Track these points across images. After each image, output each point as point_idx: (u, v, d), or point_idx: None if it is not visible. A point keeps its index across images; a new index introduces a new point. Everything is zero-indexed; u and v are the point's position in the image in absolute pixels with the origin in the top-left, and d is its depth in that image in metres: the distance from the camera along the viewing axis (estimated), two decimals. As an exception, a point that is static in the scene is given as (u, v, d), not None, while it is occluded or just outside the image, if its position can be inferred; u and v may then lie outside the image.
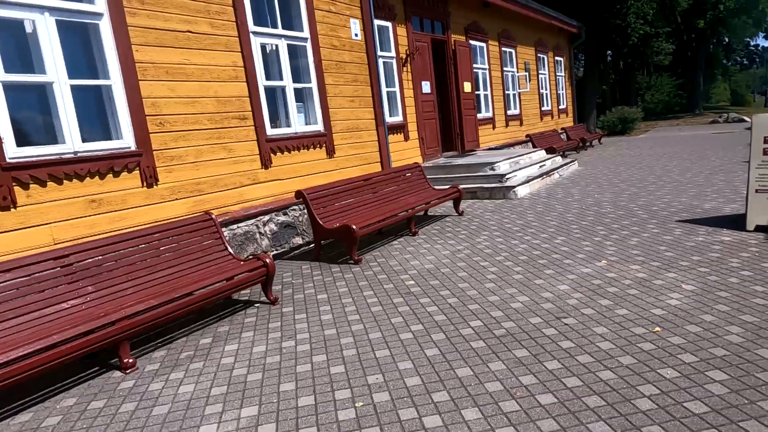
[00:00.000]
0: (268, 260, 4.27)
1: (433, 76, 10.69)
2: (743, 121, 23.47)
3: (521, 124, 14.99)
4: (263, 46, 6.24)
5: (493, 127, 13.34)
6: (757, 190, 5.17)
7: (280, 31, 6.37)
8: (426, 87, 10.44)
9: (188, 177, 5.21)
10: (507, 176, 8.68)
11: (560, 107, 18.71)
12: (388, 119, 9.16)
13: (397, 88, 9.48)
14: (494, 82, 13.37)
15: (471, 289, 4.23)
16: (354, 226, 5.30)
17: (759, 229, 5.11)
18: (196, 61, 5.34)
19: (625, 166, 11.12)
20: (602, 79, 28.68)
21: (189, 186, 5.21)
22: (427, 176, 9.45)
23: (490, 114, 13.16)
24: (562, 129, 17.07)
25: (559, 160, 11.29)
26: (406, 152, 9.64)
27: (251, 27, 5.94)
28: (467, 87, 11.70)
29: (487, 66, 13.01)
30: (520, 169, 9.31)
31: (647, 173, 9.72)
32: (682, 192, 7.51)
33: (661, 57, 27.55)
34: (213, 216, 4.59)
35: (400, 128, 9.48)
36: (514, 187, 8.39)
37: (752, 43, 52.06)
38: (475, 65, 12.33)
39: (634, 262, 4.49)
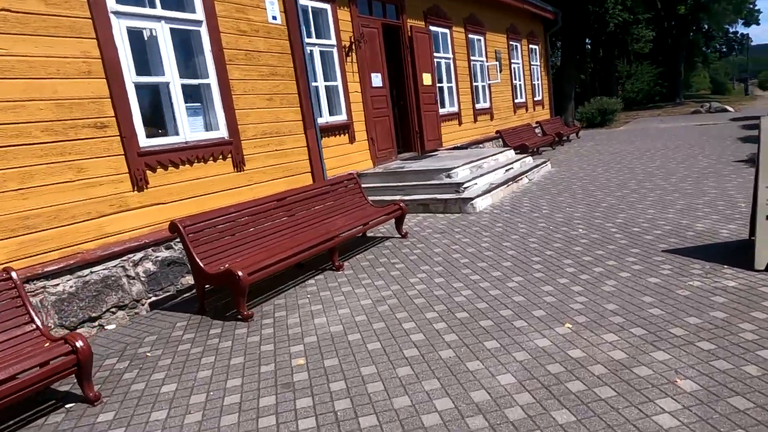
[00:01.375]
0: (79, 343, 2.91)
1: (385, 67, 9.33)
2: (726, 111, 22.54)
3: (492, 119, 13.71)
4: (134, 31, 4.83)
5: (459, 123, 12.04)
6: (766, 219, 3.96)
7: (158, 11, 4.94)
8: (377, 80, 9.08)
9: (8, 209, 3.81)
10: (465, 185, 7.39)
11: (536, 99, 17.48)
12: (328, 119, 7.81)
13: (339, 82, 8.11)
14: (460, 72, 12.05)
15: (375, 381, 2.93)
16: (240, 272, 3.96)
17: (771, 267, 3.92)
18: (20, 50, 3.92)
19: (603, 166, 9.92)
20: (580, 68, 27.56)
21: (9, 222, 3.81)
22: (376, 185, 8.15)
23: (455, 108, 11.85)
24: (537, 123, 15.86)
25: (529, 161, 10.04)
26: (351, 156, 8.29)
27: (111, 5, 4.51)
28: (427, 79, 10.36)
29: (451, 55, 11.67)
30: (482, 175, 8.03)
31: (628, 177, 8.52)
32: (668, 204, 6.30)
33: (641, 44, 26.50)
34: (12, 274, 3.21)
35: (344, 129, 8.12)
36: (473, 199, 7.10)
37: (731, 30, 51.48)
38: (436, 54, 10.99)
39: (609, 328, 3.23)
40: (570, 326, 3.32)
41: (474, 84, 12.85)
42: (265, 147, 6.04)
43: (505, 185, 8.15)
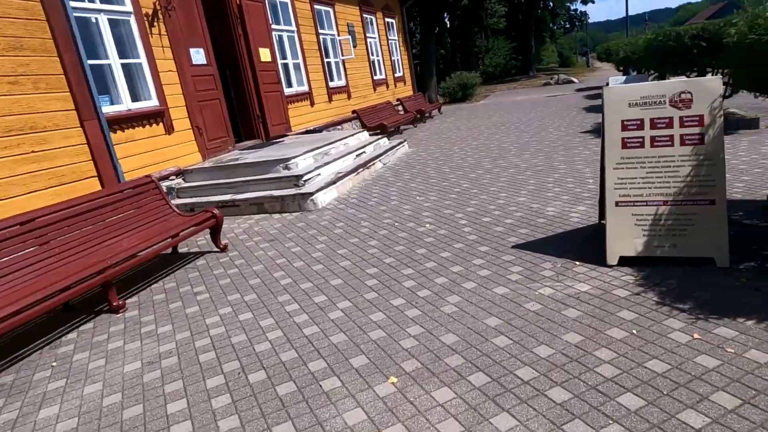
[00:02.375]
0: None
1: (209, 41, 7.86)
2: (572, 82, 24.08)
3: (349, 98, 12.80)
4: None
5: (312, 104, 10.94)
6: (617, 203, 3.45)
7: None
8: (198, 56, 7.60)
9: None
10: (306, 177, 6.36)
11: (396, 75, 16.91)
12: (131, 105, 6.25)
13: (143, 59, 6.53)
14: (308, 48, 10.89)
15: None
16: None
17: (624, 262, 3.42)
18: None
19: (461, 144, 9.49)
20: (440, 43, 27.77)
21: None
22: (204, 182, 6.80)
23: (305, 88, 10.70)
24: (399, 100, 15.30)
25: (384, 143, 9.29)
26: (171, 150, 6.82)
27: None
28: (265, 55, 9.07)
29: (294, 27, 10.44)
30: (327, 163, 7.05)
31: (483, 155, 8.10)
32: (520, 185, 5.84)
33: (496, 20, 27.31)
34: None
35: (156, 117, 6.60)
36: (314, 193, 6.09)
37: (572, 8, 56.08)
38: (275, 26, 9.70)
39: (444, 378, 2.42)
40: (395, 380, 2.46)
41: (326, 60, 11.78)
42: (13, 150, 4.44)
43: (355, 173, 7.27)
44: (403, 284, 3.57)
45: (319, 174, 6.68)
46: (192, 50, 7.48)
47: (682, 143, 3.32)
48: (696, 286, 2.99)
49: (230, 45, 8.60)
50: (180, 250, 5.13)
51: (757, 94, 3.58)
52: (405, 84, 17.69)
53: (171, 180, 6.83)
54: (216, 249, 4.92)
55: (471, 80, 21.08)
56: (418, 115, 14.22)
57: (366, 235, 4.77)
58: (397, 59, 17.19)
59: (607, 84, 4.16)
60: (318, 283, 3.79)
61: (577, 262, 3.52)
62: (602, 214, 4.01)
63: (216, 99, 7.94)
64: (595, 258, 3.52)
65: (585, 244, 3.81)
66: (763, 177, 4.93)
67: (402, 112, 14.44)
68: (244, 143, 8.63)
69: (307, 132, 10.05)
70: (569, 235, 4.07)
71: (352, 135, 8.63)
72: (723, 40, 3.82)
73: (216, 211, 4.77)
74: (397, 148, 9.18)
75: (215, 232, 4.84)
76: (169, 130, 6.85)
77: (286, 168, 6.50)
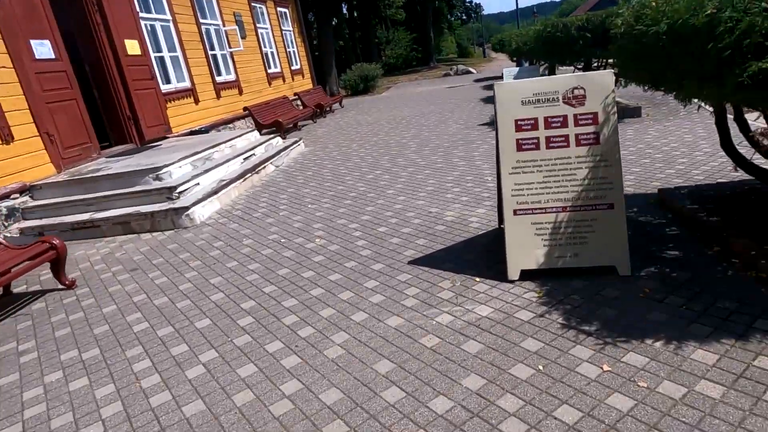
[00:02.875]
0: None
1: (56, 31, 6.68)
2: (470, 72, 24.60)
3: (241, 93, 11.86)
4: None
5: (196, 102, 9.91)
6: (516, 211, 3.14)
7: None
8: (44, 49, 6.42)
9: None
10: (181, 188, 5.55)
11: (293, 68, 16.10)
12: (-52, 111, 5.05)
13: (-38, 54, 5.34)
14: (187, 39, 9.83)
15: None
16: None
17: (526, 275, 3.12)
18: None
19: (360, 141, 9.04)
20: (339, 34, 27.20)
21: None
22: (58, 200, 5.74)
23: (186, 84, 9.65)
24: (296, 95, 14.55)
25: (277, 143, 8.60)
26: (9, 164, 5.67)
27: None
28: (133, 47, 7.97)
29: (169, 16, 9.34)
30: (209, 170, 6.26)
31: (382, 152, 7.70)
32: (419, 186, 5.49)
33: (394, 11, 27.21)
34: None
35: (-14, 124, 5.44)
36: (189, 207, 5.32)
37: (467, 0, 57.88)
38: (144, 15, 8.58)
39: (321, 456, 1.93)
40: (258, 470, 1.92)
41: (211, 53, 10.76)
42: None
43: (242, 179, 6.54)
44: (282, 321, 3.02)
45: (198, 183, 5.89)
46: (34, 43, 6.30)
47: (578, 143, 3.07)
48: (600, 302, 2.74)
49: (88, 36, 7.42)
50: (16, 290, 4.18)
51: (646, 86, 3.45)
52: (303, 77, 16.91)
53: (13, 199, 5.69)
54: (60, 286, 4.05)
55: (372, 72, 20.74)
56: (318, 110, 13.59)
57: (247, 257, 4.14)
58: (294, 51, 16.37)
59: (502, 76, 3.88)
60: (180, 327, 3.13)
61: (477, 279, 3.18)
62: (501, 219, 3.72)
63: (72, 99, 6.79)
64: (496, 271, 3.21)
65: (485, 255, 3.50)
66: (652, 168, 4.96)
67: (300, 107, 13.73)
68: (113, 149, 7.53)
69: (192, 133, 9.08)
70: (469, 244, 3.75)
71: (240, 136, 7.85)
72: (610, 32, 3.64)
73: (56, 241, 3.89)
74: (292, 147, 8.52)
75: (57, 266, 3.96)
76: (7, 138, 5.70)
77: (157, 179, 5.64)
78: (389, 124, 10.61)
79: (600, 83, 3.05)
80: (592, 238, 3.03)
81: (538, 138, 3.10)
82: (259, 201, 5.89)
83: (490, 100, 12.01)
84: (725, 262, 2.97)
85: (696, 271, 2.93)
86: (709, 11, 2.40)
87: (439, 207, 4.71)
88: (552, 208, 3.08)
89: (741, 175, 4.14)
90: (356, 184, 5.97)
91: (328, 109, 14.76)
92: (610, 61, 7.76)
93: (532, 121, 3.11)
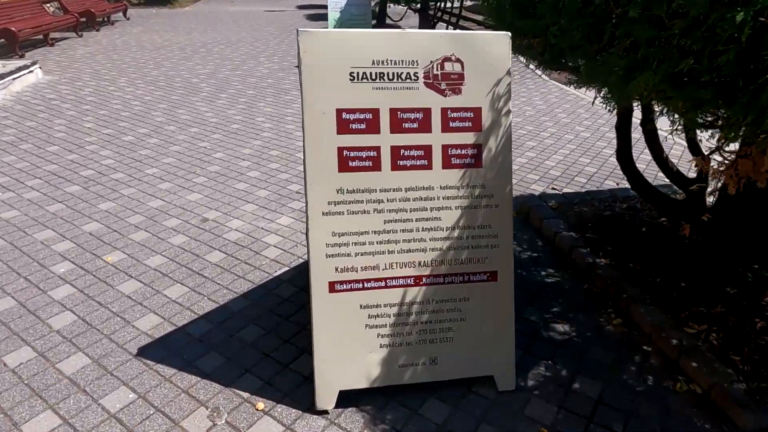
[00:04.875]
0: None
1: None
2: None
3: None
4: None
5: None
6: (334, 286, 1.69)
7: None
8: None
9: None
10: None
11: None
12: None
13: None
14: None
15: None
16: None
17: (348, 400, 1.74)
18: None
19: (133, 74, 6.56)
20: None
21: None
22: None
23: None
24: (55, -6, 10.70)
25: (-9, 66, 5.70)
26: None
27: None
28: None
29: None
30: None
31: (160, 96, 5.51)
32: (199, 163, 3.68)
33: None
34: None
35: None
36: None
37: None
38: None
39: None
40: None
41: None
42: None
43: None
44: None
45: None
46: None
47: (447, 163, 1.69)
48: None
49: None
50: None
51: (540, 63, 2.21)
52: (71, -30, 12.68)
53: None
54: None
55: (174, -22, 16.83)
56: (87, 20, 10.15)
57: None
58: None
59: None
60: None
61: (261, 405, 1.71)
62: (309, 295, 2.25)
63: None
64: (297, 385, 1.77)
65: (283, 332, 2.03)
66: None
67: (60, 13, 10.09)
68: None
69: None
70: (258, 299, 2.23)
71: None
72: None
73: None
74: (17, 76, 5.72)
75: None
76: None
77: None
78: (182, 51, 8.13)
79: (489, 54, 1.69)
80: (461, 332, 1.76)
81: (378, 149, 1.65)
82: None
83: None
84: (637, 354, 1.99)
85: (604, 371, 1.88)
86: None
87: (222, 209, 3.05)
88: (397, 278, 1.70)
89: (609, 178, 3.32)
90: (99, 153, 3.88)
91: (104, 20, 11.25)
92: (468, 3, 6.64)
93: (370, 116, 1.63)
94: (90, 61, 7.23)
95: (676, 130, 2.00)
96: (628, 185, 3.63)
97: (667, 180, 2.71)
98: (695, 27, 1.28)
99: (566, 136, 4.73)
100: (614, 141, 4.84)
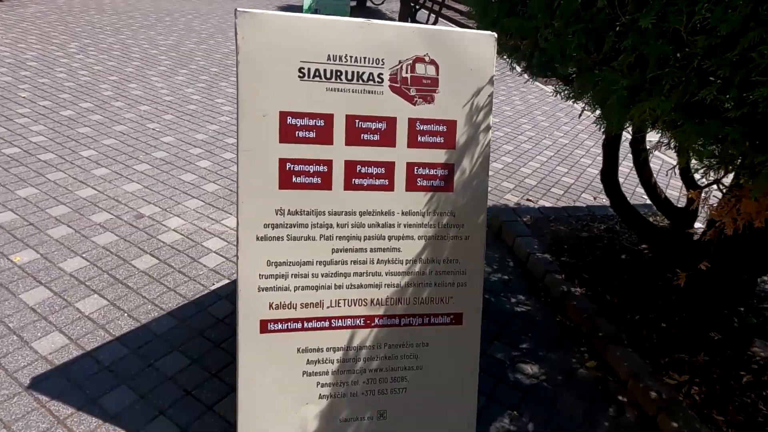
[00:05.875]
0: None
1: None
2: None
3: None
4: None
5: None
6: (266, 325, 1.40)
7: None
8: None
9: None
10: None
11: None
12: None
13: None
14: None
15: None
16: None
17: (277, 458, 1.48)
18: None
19: (84, 41, 5.98)
20: None
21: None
22: None
23: None
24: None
25: None
26: None
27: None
28: None
29: None
30: None
31: (109, 70, 5.00)
32: (144, 149, 3.29)
33: None
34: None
35: None
36: None
37: None
38: None
39: None
40: None
41: None
42: None
43: None
44: None
45: None
46: None
47: (411, 184, 1.42)
48: None
49: None
50: None
51: (528, 69, 1.95)
52: None
53: None
54: None
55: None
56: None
57: None
58: None
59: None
60: None
61: (172, 460, 1.43)
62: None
63: None
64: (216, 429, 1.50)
65: (206, 365, 1.73)
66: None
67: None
68: None
69: None
70: (185, 326, 1.92)
71: None
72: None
73: None
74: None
75: None
76: None
77: None
78: (145, 18, 7.54)
79: (470, 57, 1.41)
80: (415, 381, 1.50)
81: (329, 163, 1.36)
82: None
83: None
84: (612, 405, 1.78)
85: (576, 427, 1.67)
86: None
87: (163, 203, 2.70)
88: (344, 318, 1.43)
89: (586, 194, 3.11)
90: (31, 128, 3.43)
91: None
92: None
93: (321, 122, 1.34)
94: (40, 22, 6.62)
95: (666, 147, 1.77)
96: (606, 201, 3.46)
97: (649, 200, 2.51)
98: (723, 48, 1.04)
99: (544, 141, 4.52)
100: (593, 150, 4.71)
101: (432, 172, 1.42)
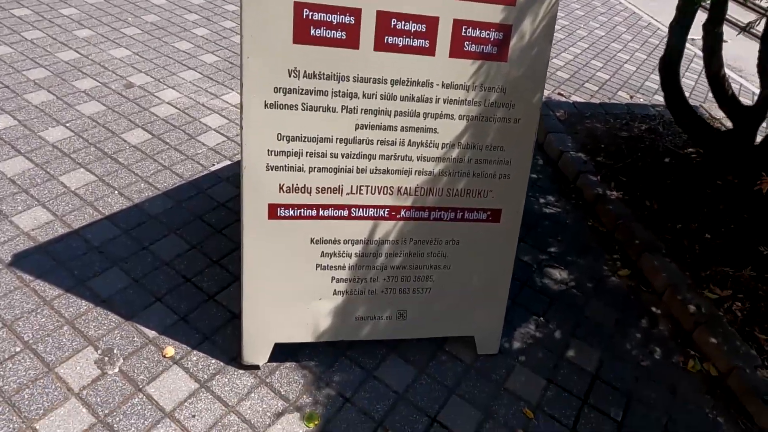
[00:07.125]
0: None
1: None
2: None
3: None
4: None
5: None
6: (276, 210, 1.20)
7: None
8: None
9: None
10: None
11: None
12: None
13: None
14: None
15: None
16: None
17: (287, 354, 1.34)
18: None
19: None
20: None
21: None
22: None
23: None
24: None
25: None
26: None
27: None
28: None
29: None
30: None
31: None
32: (131, 12, 2.92)
33: None
34: None
35: None
36: None
37: None
38: None
39: None
40: None
41: None
42: None
43: None
44: None
45: None
46: None
47: (457, 50, 1.14)
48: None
49: None
50: None
51: None
52: None
53: None
54: None
55: None
56: None
57: None
58: None
59: None
60: None
61: (171, 350, 1.30)
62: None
63: None
64: (223, 325, 1.36)
65: (207, 251, 1.57)
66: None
67: None
68: None
69: None
70: (183, 208, 1.72)
71: None
72: None
73: None
74: None
75: None
76: None
77: None
78: None
79: None
80: (441, 281, 1.34)
81: (357, 13, 1.07)
82: None
83: None
84: (645, 316, 1.65)
85: (604, 337, 1.54)
86: None
87: (154, 73, 2.39)
88: (366, 207, 1.23)
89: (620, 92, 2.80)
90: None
91: None
92: None
93: (349, -45, 1.03)
94: None
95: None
96: (643, 100, 3.14)
97: (705, 101, 2.23)
98: None
99: (578, 31, 4.07)
100: (630, 45, 4.27)
101: (484, 34, 1.14)
